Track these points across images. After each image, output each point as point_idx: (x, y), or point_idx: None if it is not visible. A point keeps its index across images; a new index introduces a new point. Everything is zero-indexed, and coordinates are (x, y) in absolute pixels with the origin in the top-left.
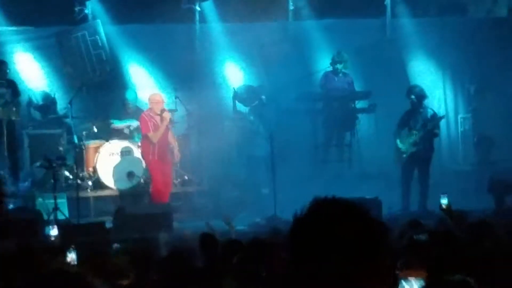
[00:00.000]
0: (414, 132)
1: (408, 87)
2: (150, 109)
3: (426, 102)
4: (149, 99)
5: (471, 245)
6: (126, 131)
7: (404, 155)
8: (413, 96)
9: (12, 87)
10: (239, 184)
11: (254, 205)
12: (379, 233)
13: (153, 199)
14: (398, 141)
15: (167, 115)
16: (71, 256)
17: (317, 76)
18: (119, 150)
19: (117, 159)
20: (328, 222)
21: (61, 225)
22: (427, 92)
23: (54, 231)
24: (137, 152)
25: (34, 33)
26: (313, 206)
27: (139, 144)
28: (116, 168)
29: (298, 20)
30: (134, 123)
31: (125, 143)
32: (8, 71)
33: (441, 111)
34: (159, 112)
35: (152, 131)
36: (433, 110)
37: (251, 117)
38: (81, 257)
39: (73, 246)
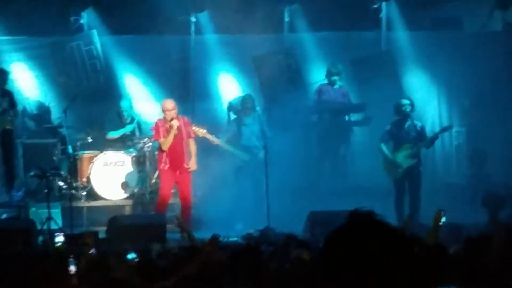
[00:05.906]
0: (408, 145)
1: (396, 102)
2: (164, 116)
3: (413, 115)
4: (161, 106)
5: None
6: (121, 141)
7: (400, 169)
8: (403, 109)
9: (9, 96)
10: (232, 195)
11: (248, 216)
12: (412, 251)
13: (157, 209)
14: (390, 154)
15: (174, 123)
16: (71, 268)
17: (312, 88)
18: (113, 161)
19: (111, 169)
20: (363, 239)
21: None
22: (420, 105)
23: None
24: (131, 163)
25: (29, 43)
26: (349, 222)
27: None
28: (110, 179)
29: (293, 32)
30: (130, 129)
31: (119, 154)
32: (7, 80)
33: (435, 124)
34: (169, 119)
35: (163, 138)
36: (420, 122)
37: (245, 128)
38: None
39: (72, 256)
